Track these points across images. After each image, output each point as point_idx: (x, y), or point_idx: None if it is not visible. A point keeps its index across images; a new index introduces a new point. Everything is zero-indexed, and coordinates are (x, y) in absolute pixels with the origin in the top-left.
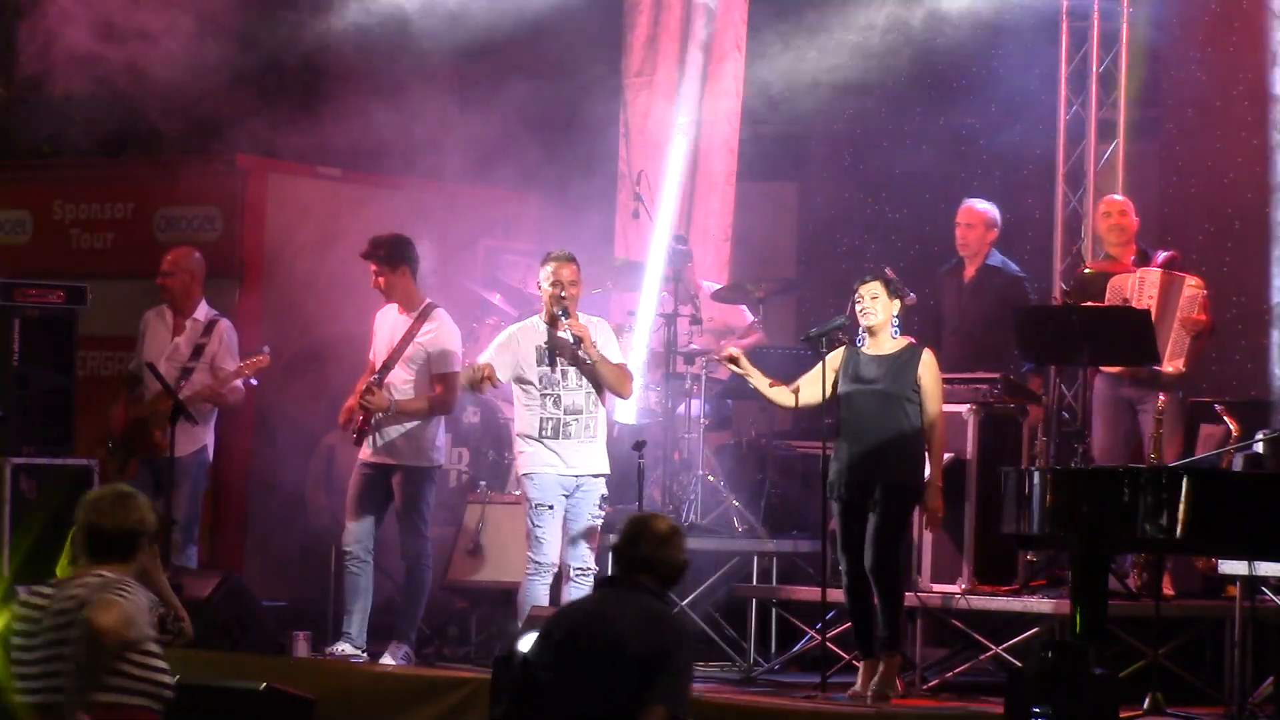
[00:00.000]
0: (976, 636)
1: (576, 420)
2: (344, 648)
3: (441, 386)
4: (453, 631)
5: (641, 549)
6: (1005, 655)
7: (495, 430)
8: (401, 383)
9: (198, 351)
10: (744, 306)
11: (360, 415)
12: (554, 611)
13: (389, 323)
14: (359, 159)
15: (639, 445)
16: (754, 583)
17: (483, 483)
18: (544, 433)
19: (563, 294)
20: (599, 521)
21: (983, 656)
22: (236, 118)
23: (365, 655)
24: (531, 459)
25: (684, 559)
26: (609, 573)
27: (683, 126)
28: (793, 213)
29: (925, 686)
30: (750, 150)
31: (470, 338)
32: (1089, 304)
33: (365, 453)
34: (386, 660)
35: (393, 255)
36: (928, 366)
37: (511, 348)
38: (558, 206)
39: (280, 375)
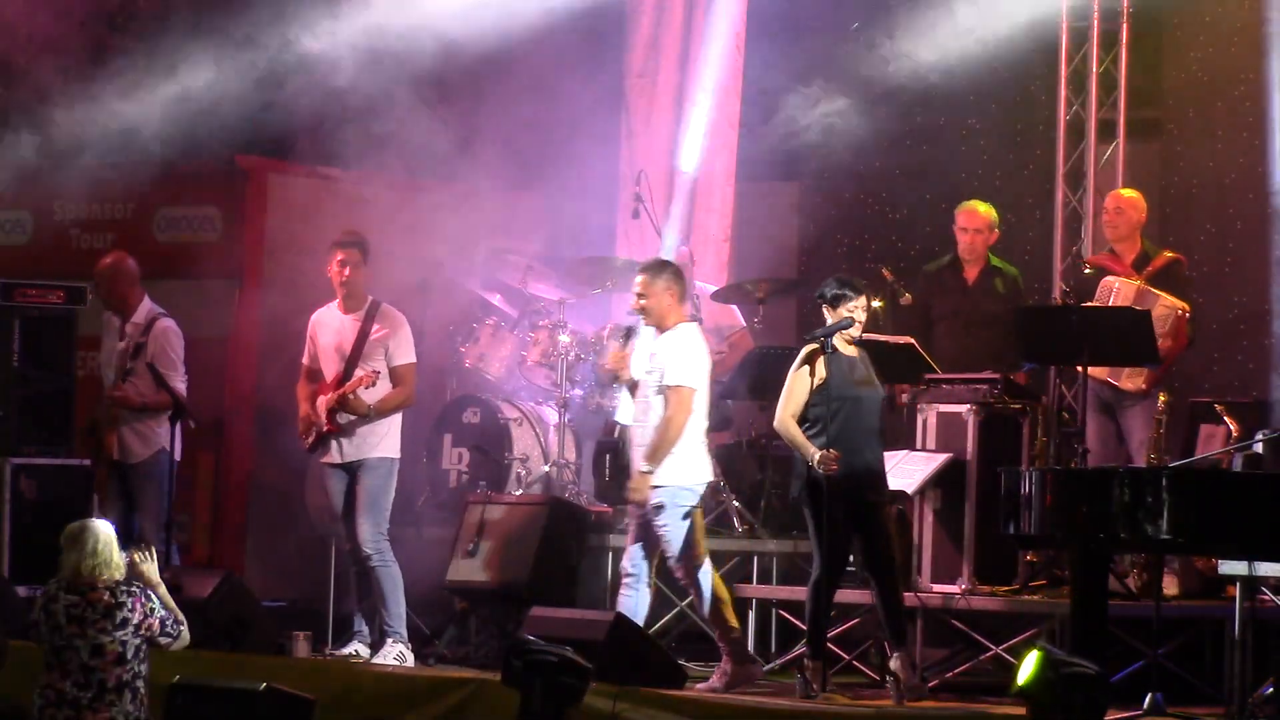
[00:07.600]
0: (976, 636)
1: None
2: (354, 648)
3: (402, 380)
4: (453, 631)
5: None
6: (1005, 655)
7: (495, 430)
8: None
9: (138, 351)
10: (734, 307)
11: (325, 424)
12: None
13: (333, 326)
14: (359, 159)
15: None
16: (754, 583)
17: (483, 483)
18: None
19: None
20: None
21: (983, 656)
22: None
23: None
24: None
25: None
26: None
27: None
28: (793, 213)
29: (925, 687)
30: (750, 150)
31: (470, 338)
32: (1089, 304)
33: (331, 456)
34: (380, 660)
35: (366, 249)
36: None
37: None
38: (558, 206)
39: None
